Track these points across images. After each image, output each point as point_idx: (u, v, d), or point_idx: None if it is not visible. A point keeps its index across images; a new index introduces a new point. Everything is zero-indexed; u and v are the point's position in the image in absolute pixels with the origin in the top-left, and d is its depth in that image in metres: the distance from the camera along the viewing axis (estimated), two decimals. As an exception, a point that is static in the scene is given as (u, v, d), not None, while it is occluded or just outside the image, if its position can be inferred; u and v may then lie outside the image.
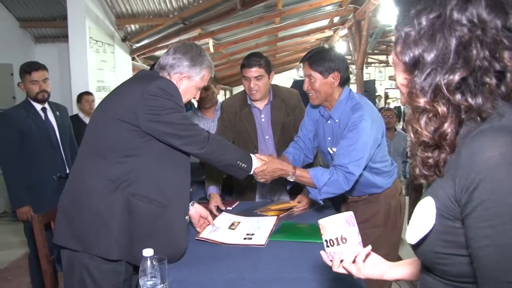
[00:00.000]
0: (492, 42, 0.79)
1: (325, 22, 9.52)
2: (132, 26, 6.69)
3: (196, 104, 3.68)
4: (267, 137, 2.92)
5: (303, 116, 2.87)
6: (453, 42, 0.81)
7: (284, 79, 16.76)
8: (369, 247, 1.13)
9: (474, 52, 0.79)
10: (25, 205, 3.05)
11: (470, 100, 0.81)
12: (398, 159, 5.64)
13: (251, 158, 2.19)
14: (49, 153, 3.21)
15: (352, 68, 12.32)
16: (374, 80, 12.80)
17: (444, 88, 0.82)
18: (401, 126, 8.97)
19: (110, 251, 1.83)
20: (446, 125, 0.84)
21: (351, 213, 1.14)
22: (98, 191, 1.84)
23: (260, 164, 2.22)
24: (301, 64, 2.35)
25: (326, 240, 1.12)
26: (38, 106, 3.22)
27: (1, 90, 5.89)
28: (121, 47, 6.61)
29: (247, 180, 2.92)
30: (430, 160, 0.87)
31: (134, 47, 6.97)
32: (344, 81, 2.31)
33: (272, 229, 2.28)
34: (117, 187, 1.84)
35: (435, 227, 0.85)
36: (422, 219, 0.87)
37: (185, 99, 2.08)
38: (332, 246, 1.12)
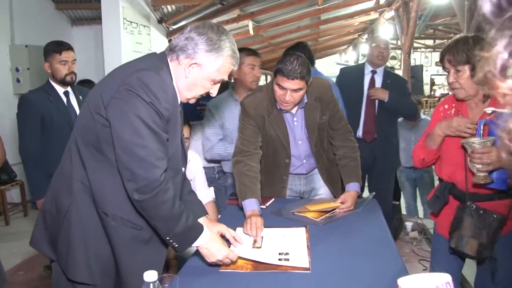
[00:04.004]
0: None
1: (370, 4, 9.01)
2: (169, 7, 6.43)
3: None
4: (300, 142, 2.53)
5: (336, 110, 2.51)
6: None
7: (327, 64, 16.28)
8: None
9: None
10: (45, 195, 2.85)
11: None
12: None
13: (192, 240, 1.63)
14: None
15: (397, 53, 11.80)
16: (421, 65, 12.19)
17: None
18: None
19: (76, 273, 1.58)
20: None
21: (449, 278, 0.74)
22: (74, 193, 1.59)
23: (213, 241, 1.69)
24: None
25: None
26: (60, 90, 2.99)
27: (37, 73, 5.76)
28: (157, 28, 6.36)
29: (277, 173, 2.60)
30: None
31: (171, 29, 6.72)
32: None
33: (308, 245, 1.92)
34: (89, 192, 1.58)
35: None
36: None
37: (192, 94, 1.66)
38: None
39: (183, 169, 1.77)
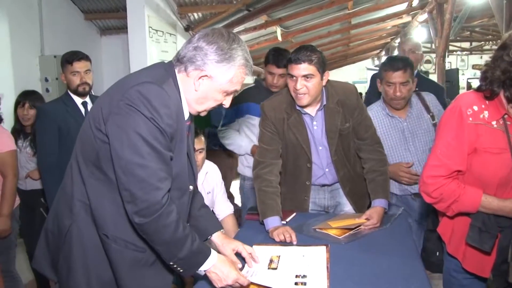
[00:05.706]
0: None
1: (402, 6, 8.76)
2: (195, 14, 6.39)
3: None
4: (320, 148, 2.40)
5: (363, 117, 2.36)
6: None
7: (358, 70, 16.01)
8: None
9: None
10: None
11: None
12: None
13: (199, 264, 1.52)
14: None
15: (432, 57, 11.43)
16: (457, 69, 11.77)
17: None
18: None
19: None
20: None
21: None
22: (75, 213, 1.51)
23: (226, 266, 1.56)
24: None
25: None
26: (78, 100, 2.95)
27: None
28: (184, 36, 6.31)
29: (299, 180, 2.47)
30: None
31: (198, 37, 6.69)
32: None
33: (327, 266, 1.77)
34: (90, 212, 1.48)
35: None
36: None
37: (203, 107, 1.56)
38: None
39: (191, 187, 1.66)
